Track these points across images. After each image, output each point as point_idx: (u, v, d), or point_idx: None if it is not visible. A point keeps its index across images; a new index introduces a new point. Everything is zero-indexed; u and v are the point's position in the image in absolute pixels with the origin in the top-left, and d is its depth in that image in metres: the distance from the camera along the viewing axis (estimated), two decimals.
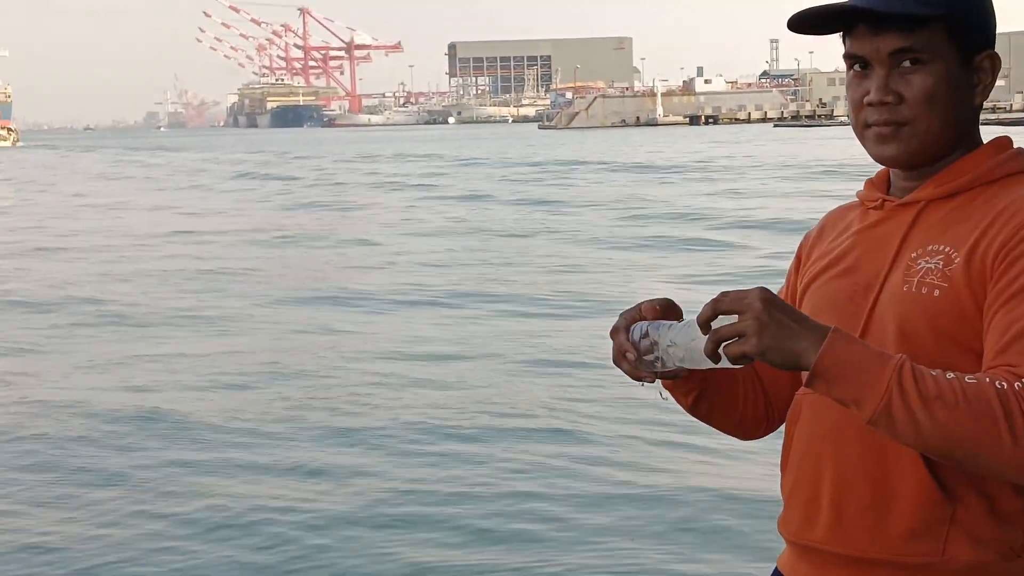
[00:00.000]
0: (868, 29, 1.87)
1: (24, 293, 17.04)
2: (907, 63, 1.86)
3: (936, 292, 1.83)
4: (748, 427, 2.12)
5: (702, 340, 1.74)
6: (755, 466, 7.80)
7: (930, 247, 1.87)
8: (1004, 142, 1.96)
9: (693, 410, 2.06)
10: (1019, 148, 1.95)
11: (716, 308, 1.71)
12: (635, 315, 1.89)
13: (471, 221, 27.88)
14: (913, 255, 1.88)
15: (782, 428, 2.10)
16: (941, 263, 1.84)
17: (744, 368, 2.04)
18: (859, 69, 1.91)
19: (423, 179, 46.09)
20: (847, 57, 1.93)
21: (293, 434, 9.24)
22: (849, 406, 1.70)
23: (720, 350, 1.71)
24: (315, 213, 31.95)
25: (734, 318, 1.70)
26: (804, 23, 1.90)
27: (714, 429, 2.13)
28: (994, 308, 1.77)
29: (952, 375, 1.68)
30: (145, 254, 21.99)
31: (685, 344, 1.80)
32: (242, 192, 42.22)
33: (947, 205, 1.90)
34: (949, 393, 1.66)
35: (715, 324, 1.72)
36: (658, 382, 1.94)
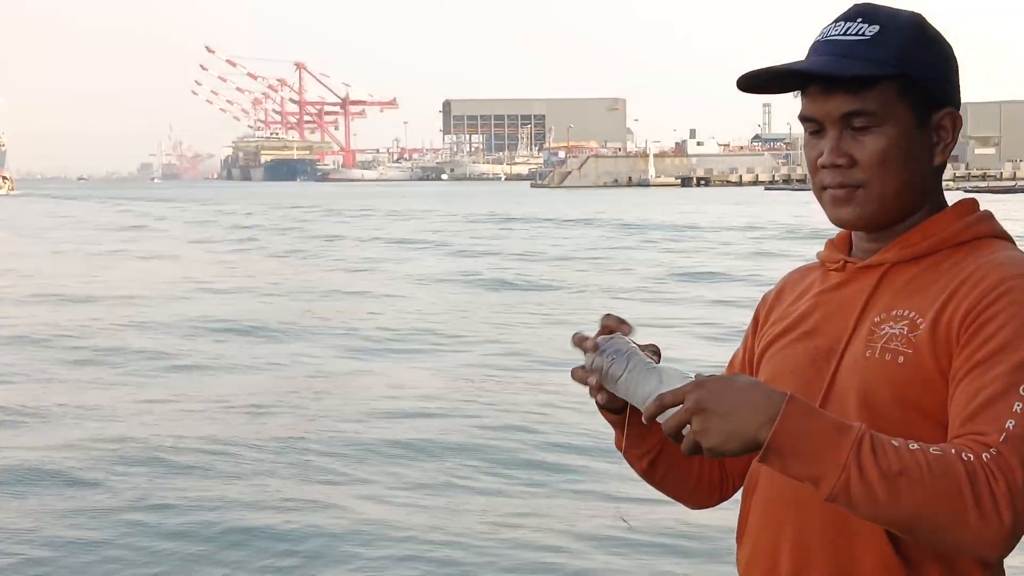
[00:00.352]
0: (819, 91, 1.82)
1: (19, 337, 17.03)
2: (859, 124, 1.81)
3: (900, 359, 1.77)
4: (701, 496, 2.05)
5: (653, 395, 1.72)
6: (711, 537, 7.62)
7: (894, 312, 1.81)
8: (970, 205, 1.90)
9: (647, 475, 1.99)
10: (986, 211, 1.89)
11: (666, 431, 1.68)
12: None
13: (471, 275, 27.92)
14: (876, 319, 1.82)
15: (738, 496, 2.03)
16: (906, 328, 1.78)
17: None
18: (813, 130, 1.86)
19: (424, 234, 46.26)
20: (801, 118, 1.87)
21: (268, 487, 9.18)
22: (804, 482, 1.64)
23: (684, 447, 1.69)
24: (314, 265, 32.01)
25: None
26: (753, 83, 1.86)
27: (665, 496, 2.06)
28: (960, 375, 1.71)
29: (916, 446, 1.62)
30: (145, 303, 21.99)
31: (638, 394, 1.75)
32: (245, 242, 42.44)
33: (912, 268, 1.84)
34: (913, 468, 1.60)
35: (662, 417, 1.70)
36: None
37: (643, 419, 1.72)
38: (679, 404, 1.66)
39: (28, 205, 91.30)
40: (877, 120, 1.80)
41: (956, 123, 1.86)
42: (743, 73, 1.84)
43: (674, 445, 1.91)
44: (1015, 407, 1.64)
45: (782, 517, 1.85)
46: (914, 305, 1.80)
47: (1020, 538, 1.62)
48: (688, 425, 1.65)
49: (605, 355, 1.79)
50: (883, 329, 1.80)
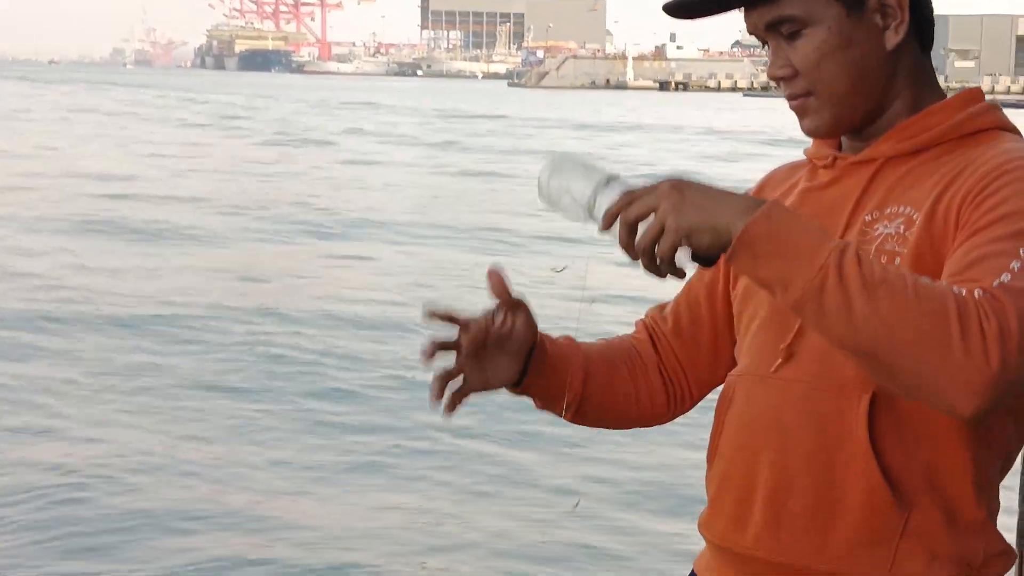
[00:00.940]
0: (746, 7, 1.70)
1: None
2: (788, 31, 1.69)
3: (896, 259, 1.61)
4: (647, 416, 1.92)
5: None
6: (672, 451, 7.41)
7: (888, 209, 1.66)
8: (975, 94, 1.74)
9: (577, 420, 1.87)
10: (991, 102, 1.74)
11: (627, 220, 1.51)
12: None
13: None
14: (868, 218, 1.67)
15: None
16: (902, 226, 1.63)
17: (625, 354, 1.88)
18: (764, 44, 1.74)
19: (435, 134, 45.91)
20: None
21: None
22: (774, 289, 1.48)
23: (658, 261, 1.51)
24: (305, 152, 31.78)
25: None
26: (680, 11, 1.74)
27: (606, 428, 1.94)
28: (956, 246, 1.56)
29: (904, 270, 1.48)
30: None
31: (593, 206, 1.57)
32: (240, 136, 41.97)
33: (908, 163, 1.69)
34: (897, 281, 1.44)
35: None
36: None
37: (605, 210, 1.54)
38: (652, 211, 1.51)
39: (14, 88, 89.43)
40: (802, 22, 1.67)
41: None
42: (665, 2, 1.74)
43: (596, 388, 1.83)
44: (1013, 264, 1.49)
45: (761, 439, 1.70)
46: (909, 200, 1.65)
47: (1002, 395, 1.44)
48: (654, 215, 1.50)
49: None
50: (876, 229, 1.65)
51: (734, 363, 1.83)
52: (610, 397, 1.87)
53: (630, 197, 1.53)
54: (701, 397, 1.93)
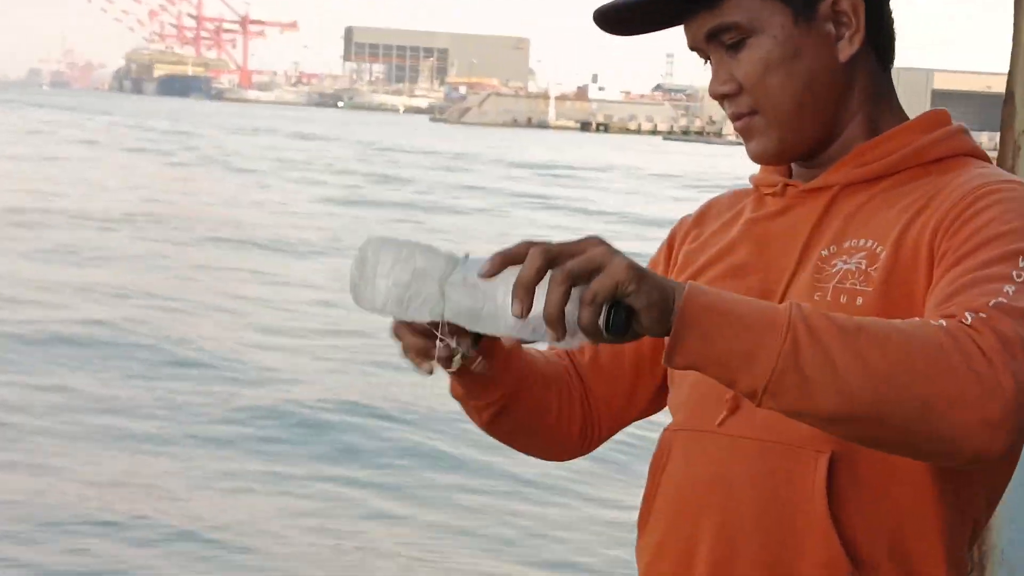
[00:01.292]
0: (686, 17, 1.54)
1: None
2: (730, 41, 1.51)
3: (859, 300, 1.43)
4: (556, 450, 1.68)
5: (505, 304, 1.26)
6: (597, 513, 7.28)
7: (847, 243, 1.48)
8: (941, 116, 1.57)
9: (490, 427, 1.60)
10: (959, 126, 1.56)
11: (546, 255, 1.24)
12: None
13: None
14: (824, 253, 1.49)
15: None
16: (864, 262, 1.46)
17: (559, 376, 1.63)
18: (706, 63, 1.57)
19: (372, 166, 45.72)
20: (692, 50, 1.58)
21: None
22: (733, 371, 1.26)
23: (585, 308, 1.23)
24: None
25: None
26: (609, 21, 1.55)
27: (514, 448, 1.69)
28: (938, 277, 1.39)
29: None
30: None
31: (481, 302, 1.28)
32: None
33: (866, 191, 1.52)
34: (872, 324, 1.26)
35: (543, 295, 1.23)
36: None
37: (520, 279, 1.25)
38: (574, 255, 1.25)
39: None
40: (746, 30, 1.51)
41: (857, 5, 1.53)
42: (595, 9, 1.53)
43: (523, 391, 1.58)
44: (1006, 288, 1.32)
45: (703, 500, 1.50)
46: (870, 232, 1.48)
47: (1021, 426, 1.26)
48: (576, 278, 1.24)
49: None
50: (834, 265, 1.48)
51: (649, 407, 1.69)
52: (535, 412, 1.62)
53: (540, 243, 1.26)
54: (608, 437, 1.71)
